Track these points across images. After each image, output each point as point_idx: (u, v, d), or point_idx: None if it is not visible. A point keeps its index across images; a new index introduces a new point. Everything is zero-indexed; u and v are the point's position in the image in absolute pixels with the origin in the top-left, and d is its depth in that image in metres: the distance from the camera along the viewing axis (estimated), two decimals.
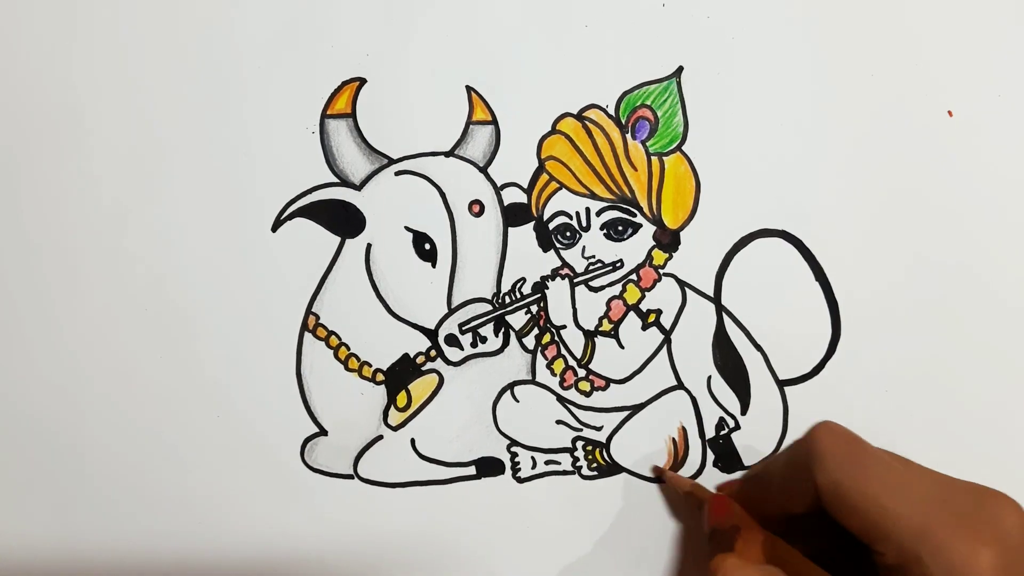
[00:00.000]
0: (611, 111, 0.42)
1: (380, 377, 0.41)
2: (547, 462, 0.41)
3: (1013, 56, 0.43)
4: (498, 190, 0.42)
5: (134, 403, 0.41)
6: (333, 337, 0.41)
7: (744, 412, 0.41)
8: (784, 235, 0.42)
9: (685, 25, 0.42)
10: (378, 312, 0.41)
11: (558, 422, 0.42)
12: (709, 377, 0.41)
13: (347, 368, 0.41)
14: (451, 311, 0.41)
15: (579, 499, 0.41)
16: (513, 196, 0.42)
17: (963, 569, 0.27)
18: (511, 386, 0.41)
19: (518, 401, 0.41)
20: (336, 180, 0.41)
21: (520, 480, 0.41)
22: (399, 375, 0.41)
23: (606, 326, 0.42)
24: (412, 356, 0.41)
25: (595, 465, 0.41)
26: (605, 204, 0.42)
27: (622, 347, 0.42)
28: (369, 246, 0.41)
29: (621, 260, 0.42)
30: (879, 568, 0.31)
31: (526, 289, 0.42)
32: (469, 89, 0.42)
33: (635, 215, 0.42)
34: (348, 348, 0.41)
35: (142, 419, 0.41)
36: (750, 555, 0.34)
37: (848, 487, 0.31)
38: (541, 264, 0.42)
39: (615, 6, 0.42)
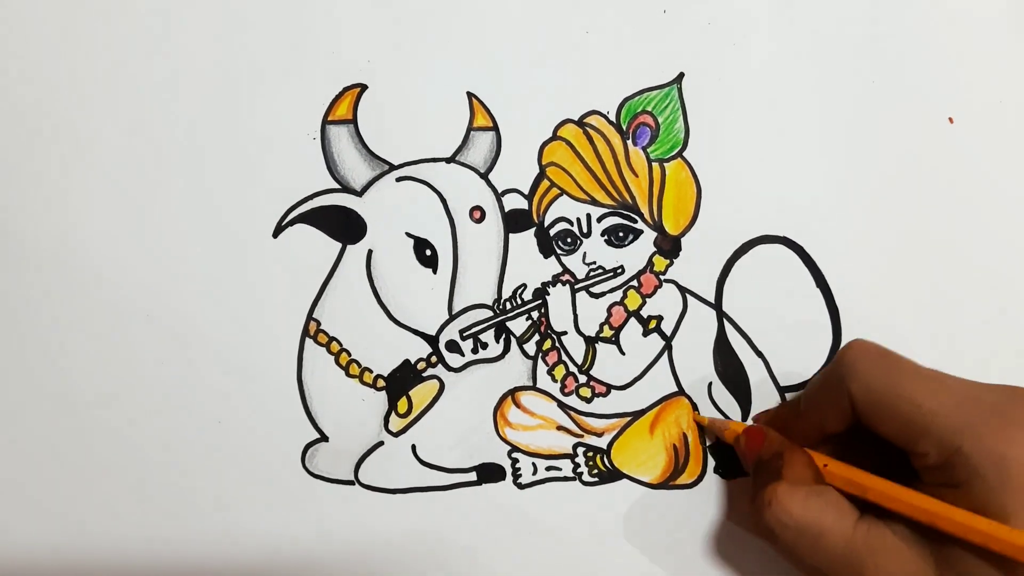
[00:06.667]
0: (612, 117, 0.42)
1: (381, 383, 0.41)
2: (548, 468, 0.41)
3: (1013, 62, 0.43)
4: (499, 196, 0.42)
5: (135, 409, 0.41)
6: (334, 343, 0.41)
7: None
8: (785, 241, 0.42)
9: (686, 31, 0.42)
10: (379, 318, 0.41)
11: (559, 428, 0.42)
12: (710, 384, 0.41)
13: (348, 374, 0.41)
14: (452, 317, 0.41)
15: (580, 505, 0.41)
16: (514, 202, 0.42)
17: (1008, 454, 0.27)
18: (512, 392, 0.41)
19: (519, 407, 0.41)
20: (337, 186, 0.41)
21: (521, 486, 0.41)
22: (400, 381, 0.41)
23: (607, 332, 0.42)
24: (413, 362, 0.41)
25: (596, 471, 0.41)
26: (606, 210, 0.42)
27: (623, 353, 0.42)
28: (370, 252, 0.41)
29: (622, 266, 0.42)
30: (920, 472, 0.30)
31: (527, 295, 0.42)
32: (470, 95, 0.42)
33: (636, 221, 0.42)
34: (349, 354, 0.41)
35: (143, 425, 0.41)
36: (798, 477, 0.33)
37: (883, 392, 0.31)
38: (542, 270, 0.42)
39: (616, 12, 0.42)
